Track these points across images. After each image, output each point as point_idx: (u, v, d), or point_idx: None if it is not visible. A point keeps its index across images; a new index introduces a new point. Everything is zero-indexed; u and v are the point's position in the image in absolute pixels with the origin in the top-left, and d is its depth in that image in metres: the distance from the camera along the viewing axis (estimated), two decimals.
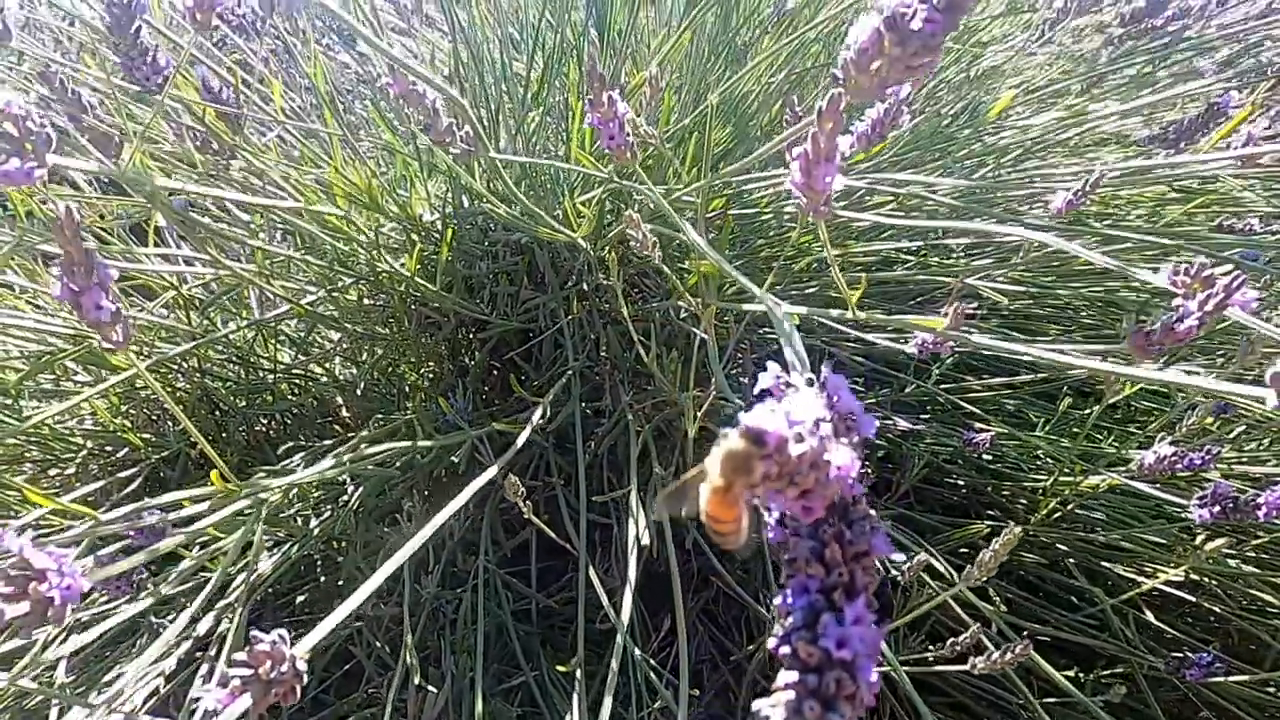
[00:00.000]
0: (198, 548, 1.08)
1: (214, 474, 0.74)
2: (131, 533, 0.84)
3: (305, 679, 0.46)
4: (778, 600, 0.37)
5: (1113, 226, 1.71)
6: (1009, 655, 0.78)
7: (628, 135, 0.66)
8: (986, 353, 1.40)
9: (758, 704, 0.33)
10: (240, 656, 0.44)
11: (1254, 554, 1.18)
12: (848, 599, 0.36)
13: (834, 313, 0.78)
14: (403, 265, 1.24)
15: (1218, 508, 0.85)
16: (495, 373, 1.62)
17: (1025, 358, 1.29)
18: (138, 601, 0.84)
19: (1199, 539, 1.04)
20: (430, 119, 0.69)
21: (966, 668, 0.82)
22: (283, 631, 0.45)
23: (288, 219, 1.17)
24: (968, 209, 1.15)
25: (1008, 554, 0.80)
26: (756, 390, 0.47)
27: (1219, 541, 0.94)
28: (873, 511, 0.41)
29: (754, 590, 1.26)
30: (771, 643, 0.36)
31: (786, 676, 0.34)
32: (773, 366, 0.47)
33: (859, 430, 0.42)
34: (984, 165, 1.61)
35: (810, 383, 0.46)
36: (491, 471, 0.91)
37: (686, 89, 1.56)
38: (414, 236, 1.35)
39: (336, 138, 1.18)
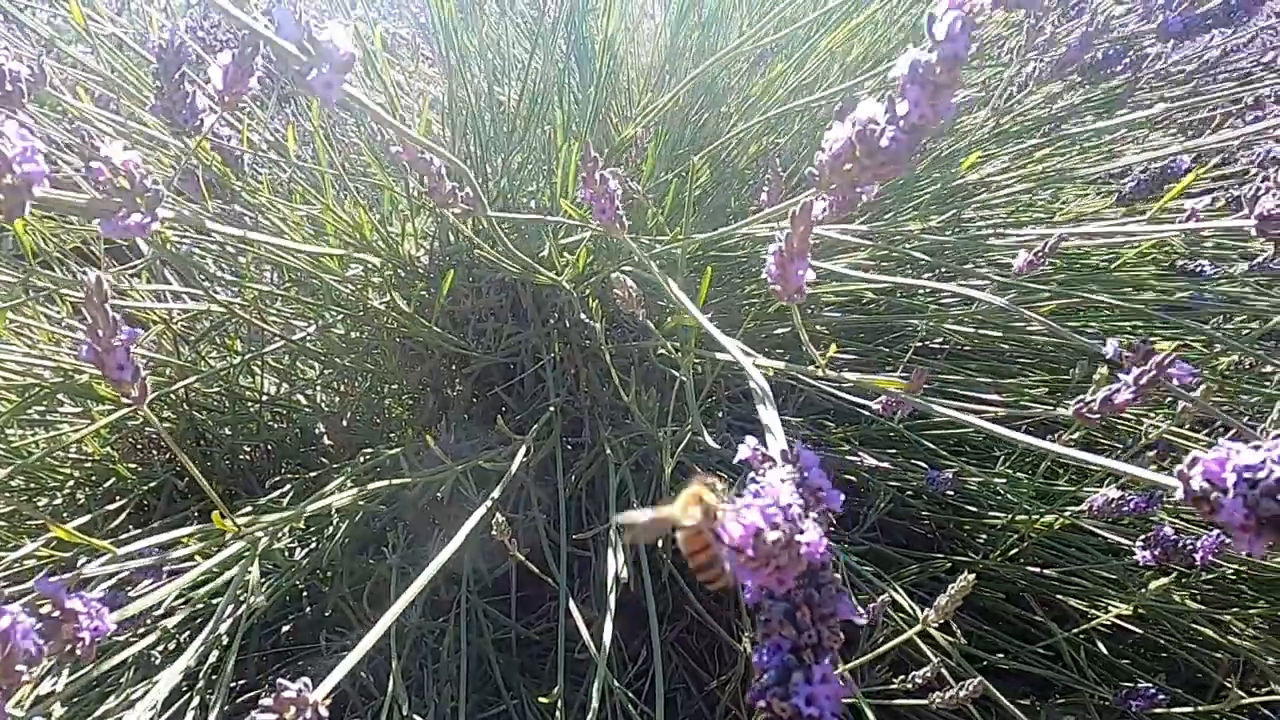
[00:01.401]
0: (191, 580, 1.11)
1: (215, 515, 0.78)
2: (130, 569, 0.87)
3: None
4: (755, 658, 0.42)
5: (1072, 268, 1.80)
6: (964, 691, 0.84)
7: (617, 208, 0.71)
8: (954, 391, 1.47)
9: None
10: (266, 702, 0.48)
11: (1197, 590, 1.25)
12: (816, 658, 0.41)
13: (804, 369, 0.83)
14: (388, 303, 1.28)
15: (1159, 549, 0.91)
16: (477, 401, 1.66)
17: (987, 395, 1.35)
18: (143, 638, 0.87)
19: (1147, 576, 1.10)
20: (435, 183, 0.74)
21: (926, 701, 0.87)
22: (306, 680, 0.49)
23: (280, 256, 1.21)
24: (931, 260, 1.21)
25: (971, 586, 0.85)
26: (736, 459, 0.52)
27: (1163, 580, 1.01)
28: (838, 576, 0.46)
29: (725, 619, 1.31)
30: (750, 695, 0.41)
31: None
32: (749, 440, 0.52)
33: (827, 504, 0.47)
34: (950, 209, 1.68)
35: (784, 454, 0.51)
36: (484, 507, 0.96)
37: (667, 127, 1.61)
38: (401, 273, 1.40)
39: (329, 176, 1.22)
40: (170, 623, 0.95)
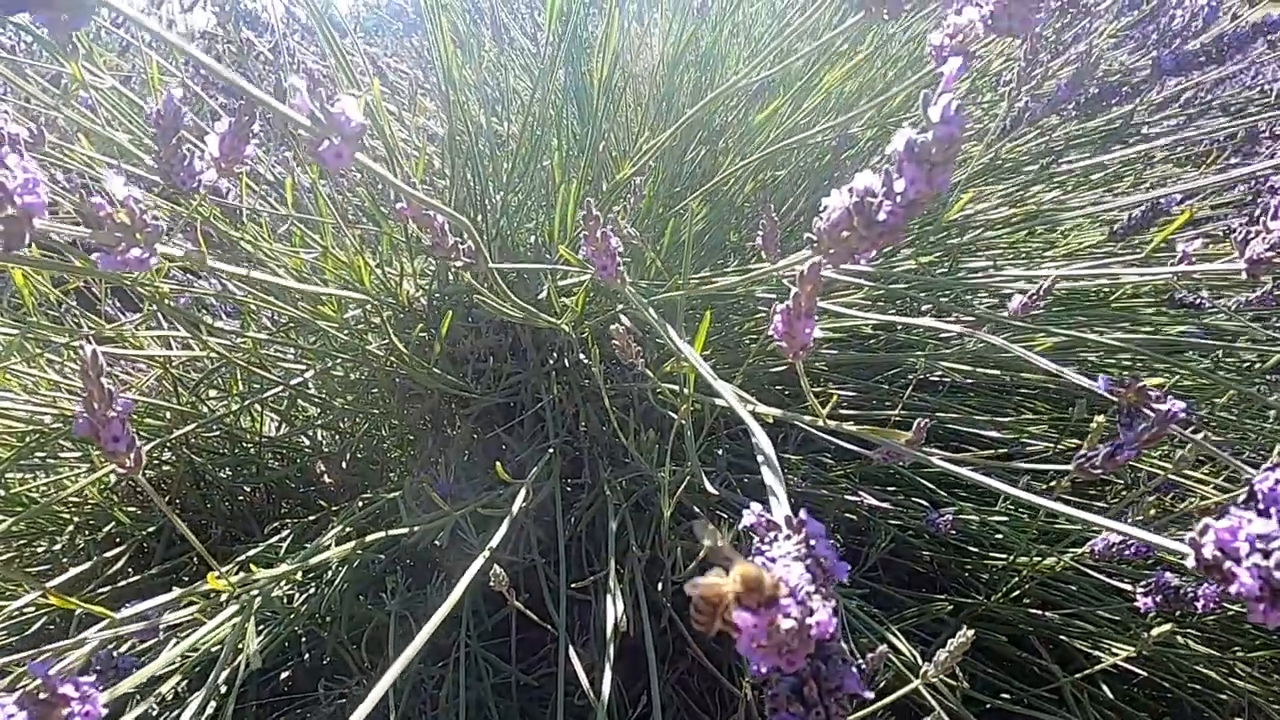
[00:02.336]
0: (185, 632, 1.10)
1: (210, 577, 0.77)
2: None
3: None
4: None
5: (1069, 300, 1.81)
6: None
7: (618, 264, 0.72)
8: (953, 426, 1.47)
9: None
10: None
11: (1201, 631, 1.24)
12: None
13: (805, 419, 0.83)
14: (387, 345, 1.28)
15: (1160, 597, 0.91)
16: (478, 442, 1.66)
17: (987, 433, 1.35)
18: (142, 704, 0.87)
19: (1151, 619, 1.10)
20: (439, 238, 0.75)
21: None
22: None
23: (277, 304, 1.21)
24: (928, 296, 1.21)
25: (969, 644, 0.85)
26: (740, 526, 0.52)
27: (1165, 627, 1.00)
28: (844, 646, 0.46)
29: (726, 663, 1.30)
30: None
31: None
32: (754, 506, 0.52)
33: (833, 575, 0.47)
34: (946, 246, 1.69)
35: (788, 521, 0.51)
36: (482, 558, 0.95)
37: (663, 163, 1.62)
38: (400, 314, 1.40)
39: (329, 224, 1.23)
40: (165, 688, 0.94)
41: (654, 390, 1.42)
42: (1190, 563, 0.42)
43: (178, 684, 1.16)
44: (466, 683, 1.21)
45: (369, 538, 0.99)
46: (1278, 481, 0.57)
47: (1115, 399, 0.75)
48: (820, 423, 0.83)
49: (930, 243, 1.52)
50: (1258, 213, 0.76)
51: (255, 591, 0.83)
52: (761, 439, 0.64)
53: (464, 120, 1.40)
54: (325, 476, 1.68)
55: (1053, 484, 1.30)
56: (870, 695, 0.43)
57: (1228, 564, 0.40)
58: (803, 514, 0.52)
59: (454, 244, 0.74)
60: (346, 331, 1.33)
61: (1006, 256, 1.82)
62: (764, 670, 0.42)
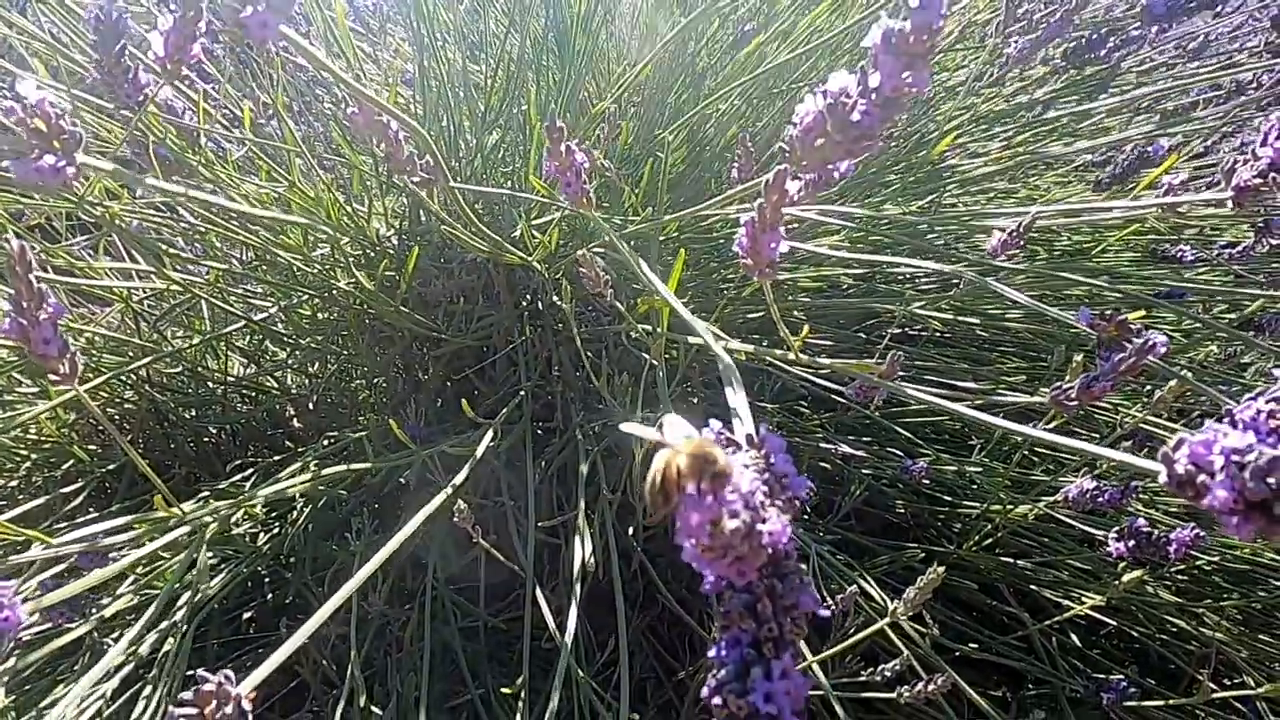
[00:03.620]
0: (144, 566, 1.08)
1: (157, 499, 0.75)
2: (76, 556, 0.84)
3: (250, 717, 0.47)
4: (712, 652, 0.40)
5: (1054, 254, 1.79)
6: (931, 686, 0.82)
7: (584, 183, 0.68)
8: (932, 377, 1.45)
9: None
10: (186, 696, 0.45)
11: (1172, 582, 1.24)
12: (776, 653, 0.39)
13: (777, 353, 0.81)
14: (354, 283, 1.25)
15: (1133, 542, 0.90)
16: (450, 386, 1.63)
17: (964, 382, 1.33)
18: (84, 623, 0.84)
19: (1121, 568, 1.09)
20: (393, 148, 0.71)
21: (894, 695, 0.86)
22: (229, 672, 0.46)
23: (244, 235, 1.17)
24: (907, 241, 1.19)
25: (942, 579, 0.84)
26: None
27: (1136, 573, 1.00)
28: (804, 566, 0.44)
29: (697, 609, 1.29)
30: (704, 692, 0.39)
31: None
32: (713, 423, 0.50)
33: (792, 491, 0.45)
34: (933, 193, 1.66)
35: (749, 439, 0.49)
36: (445, 494, 0.93)
37: (645, 109, 1.59)
38: (370, 253, 1.36)
39: (294, 152, 1.19)
40: (111, 612, 0.92)
41: (628, 333, 1.39)
42: (1163, 478, 0.40)
43: (134, 618, 1.14)
44: (432, 626, 1.19)
45: (326, 471, 0.96)
46: (1259, 411, 0.55)
47: (1095, 332, 0.73)
48: (791, 357, 0.80)
49: (913, 182, 1.50)
50: (1248, 140, 0.73)
51: (208, 519, 0.81)
52: (724, 357, 0.62)
53: (435, 57, 1.35)
54: (295, 420, 1.65)
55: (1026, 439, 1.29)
56: (828, 612, 0.41)
57: (1201, 477, 0.38)
58: (763, 431, 0.49)
59: (409, 156, 0.70)
60: (314, 268, 1.29)
61: (991, 207, 1.80)
62: (712, 579, 0.40)
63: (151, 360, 1.22)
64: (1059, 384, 0.64)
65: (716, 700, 0.37)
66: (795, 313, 1.66)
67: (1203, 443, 0.38)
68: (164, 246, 1.10)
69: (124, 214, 0.94)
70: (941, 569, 0.78)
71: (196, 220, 1.15)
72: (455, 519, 0.93)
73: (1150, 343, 0.59)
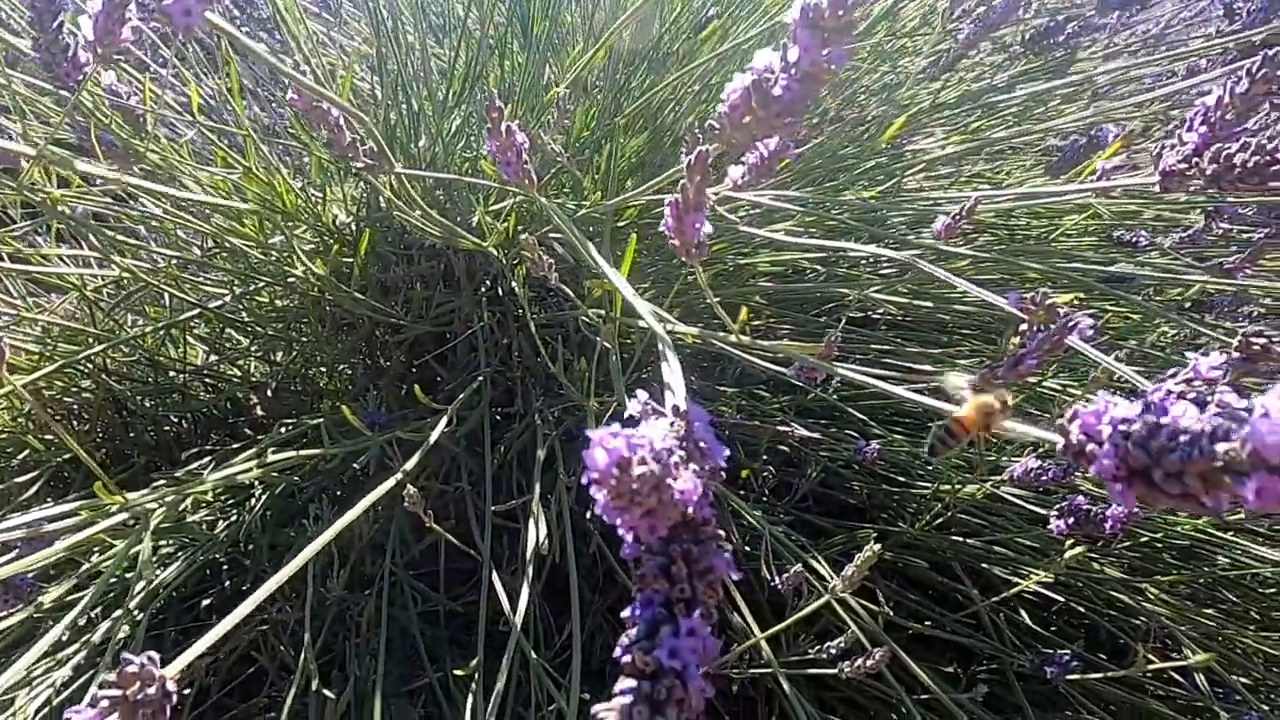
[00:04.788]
0: (99, 553, 1.08)
1: (98, 486, 0.75)
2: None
3: (174, 699, 0.47)
4: (625, 612, 0.41)
5: (1010, 237, 1.81)
6: (870, 661, 0.84)
7: (525, 164, 0.69)
8: (888, 359, 1.47)
9: (595, 708, 0.37)
10: (110, 677, 0.46)
11: (1122, 559, 1.27)
12: (687, 612, 0.40)
13: (720, 334, 0.82)
14: (310, 270, 1.24)
15: (1072, 519, 0.92)
16: (413, 372, 1.63)
17: (920, 366, 1.35)
18: (23, 609, 0.84)
19: (1068, 545, 1.11)
20: (334, 134, 0.71)
21: (835, 671, 0.87)
22: (153, 653, 0.47)
23: (195, 222, 1.17)
24: (863, 227, 1.20)
25: (886, 558, 0.86)
26: (625, 416, 0.51)
27: (1077, 550, 1.02)
28: (721, 532, 0.45)
29: None
30: (616, 652, 0.40)
31: (624, 683, 0.37)
32: (640, 394, 0.50)
33: (711, 458, 0.46)
34: (890, 179, 1.68)
35: (675, 410, 0.49)
36: (395, 478, 0.93)
37: (607, 93, 1.59)
38: (327, 240, 1.36)
39: (249, 138, 1.18)
40: (54, 597, 0.92)
41: (584, 318, 1.40)
42: (1060, 448, 0.42)
43: (90, 609, 1.13)
44: (391, 611, 1.20)
45: (276, 457, 0.96)
46: (1169, 392, 0.57)
47: (1024, 316, 0.75)
48: (735, 339, 0.81)
49: (872, 167, 1.51)
50: (1175, 127, 0.75)
51: (153, 505, 0.81)
52: (660, 332, 0.62)
53: (391, 39, 1.35)
54: (258, 408, 1.65)
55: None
56: (737, 576, 0.42)
57: (1090, 446, 0.40)
58: (687, 403, 0.50)
59: (353, 141, 0.71)
60: (270, 255, 1.28)
61: (953, 192, 1.82)
62: (630, 540, 0.40)
63: (105, 348, 1.22)
64: (988, 364, 0.66)
65: (626, 658, 0.38)
66: (757, 298, 1.67)
67: (1094, 413, 0.40)
68: (112, 234, 1.09)
69: (70, 200, 0.94)
70: (879, 547, 0.79)
71: (149, 207, 1.15)
72: (408, 505, 0.93)
73: (1072, 323, 0.61)
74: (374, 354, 1.56)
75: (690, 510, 0.44)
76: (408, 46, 1.48)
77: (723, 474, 0.50)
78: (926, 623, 1.23)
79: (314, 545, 0.75)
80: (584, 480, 0.36)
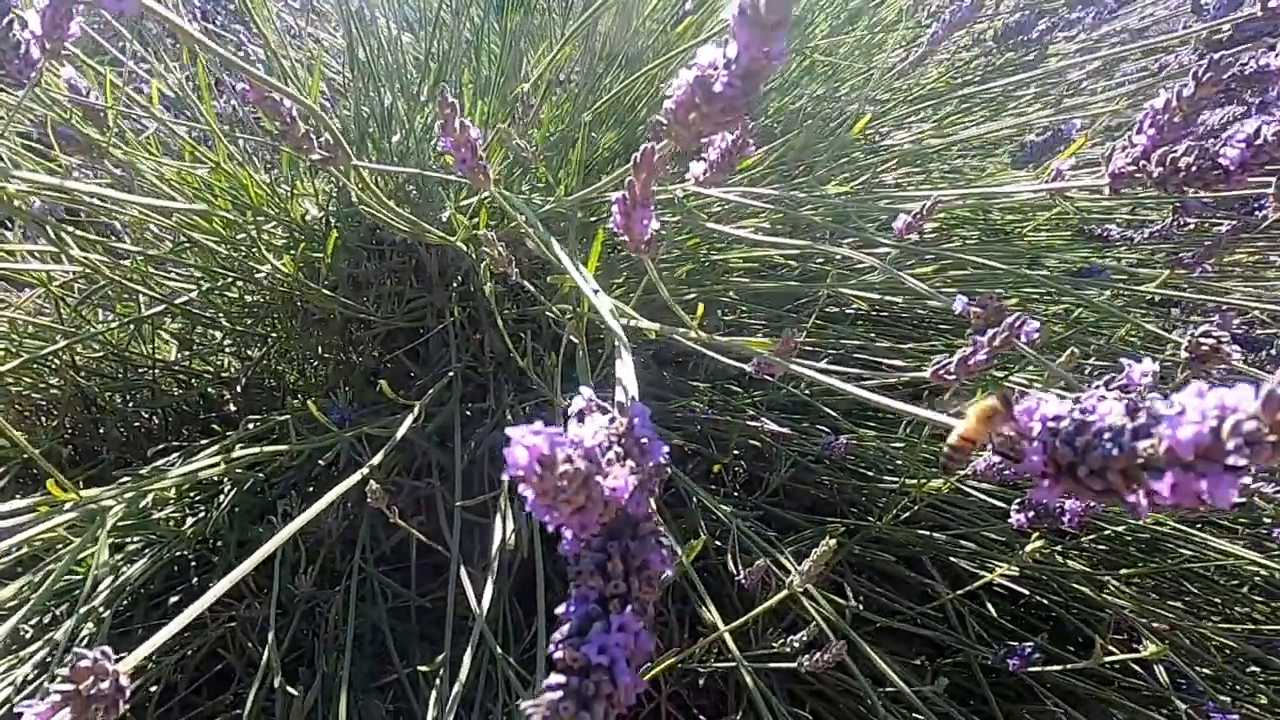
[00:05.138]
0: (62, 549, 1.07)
1: (50, 484, 0.74)
2: None
3: (127, 693, 0.47)
4: (560, 609, 0.41)
5: (986, 234, 1.82)
6: (827, 655, 0.84)
7: (480, 159, 0.69)
8: (860, 355, 1.48)
9: (523, 704, 0.37)
10: (63, 672, 0.46)
11: (1091, 553, 1.28)
12: (621, 608, 0.40)
13: (681, 330, 0.82)
14: (283, 264, 1.24)
15: (1032, 513, 0.92)
16: (387, 368, 1.63)
17: (891, 360, 1.36)
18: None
19: (1034, 538, 1.12)
20: (288, 126, 0.71)
21: (794, 665, 0.88)
22: (107, 648, 0.47)
23: (158, 218, 1.16)
24: (830, 225, 1.21)
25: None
26: (571, 412, 0.51)
27: (1037, 543, 1.03)
28: (661, 528, 0.45)
29: None
30: (550, 649, 0.40)
31: (553, 679, 0.37)
32: (585, 390, 0.51)
33: (650, 456, 0.46)
34: (865, 173, 1.69)
35: (619, 406, 0.50)
36: (359, 474, 0.93)
37: (580, 88, 1.58)
38: (296, 235, 1.35)
39: (215, 132, 1.17)
40: (6, 595, 0.91)
41: (544, 312, 1.40)
42: (993, 445, 0.42)
43: (56, 606, 1.13)
44: (360, 608, 1.20)
45: (239, 454, 0.96)
46: (1102, 397, 0.57)
47: (972, 318, 0.75)
48: (693, 335, 0.82)
49: (847, 163, 1.51)
50: (1129, 129, 0.76)
51: (109, 502, 0.80)
52: (616, 327, 0.62)
53: (361, 32, 1.34)
54: (231, 404, 1.64)
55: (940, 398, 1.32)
56: (671, 573, 0.42)
57: (1020, 443, 0.40)
58: (633, 398, 0.51)
59: (305, 133, 0.70)
60: (238, 251, 1.28)
61: (924, 189, 1.82)
62: (569, 538, 0.41)
63: (69, 344, 1.21)
64: (939, 360, 0.66)
65: (557, 654, 0.38)
66: (731, 293, 1.68)
67: (1026, 410, 0.40)
68: (74, 229, 1.08)
69: (25, 194, 0.93)
70: (834, 543, 0.80)
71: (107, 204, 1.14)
72: (372, 502, 0.93)
73: (1019, 322, 0.61)
74: (345, 349, 1.55)
75: (631, 507, 0.45)
76: (382, 39, 1.47)
77: (668, 470, 0.51)
78: (896, 617, 1.23)
79: (272, 543, 0.75)
80: (504, 478, 0.36)
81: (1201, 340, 0.76)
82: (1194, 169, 0.64)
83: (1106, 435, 0.37)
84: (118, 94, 0.97)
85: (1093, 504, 0.93)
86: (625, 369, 0.62)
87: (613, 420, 0.47)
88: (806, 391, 1.39)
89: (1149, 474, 0.35)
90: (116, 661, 0.49)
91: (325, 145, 0.72)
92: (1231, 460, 0.31)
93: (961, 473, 0.70)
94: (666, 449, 0.48)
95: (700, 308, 0.77)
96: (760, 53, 0.47)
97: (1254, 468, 0.31)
